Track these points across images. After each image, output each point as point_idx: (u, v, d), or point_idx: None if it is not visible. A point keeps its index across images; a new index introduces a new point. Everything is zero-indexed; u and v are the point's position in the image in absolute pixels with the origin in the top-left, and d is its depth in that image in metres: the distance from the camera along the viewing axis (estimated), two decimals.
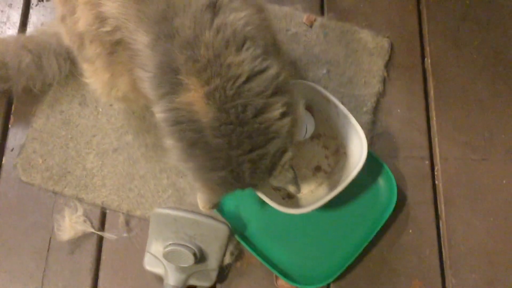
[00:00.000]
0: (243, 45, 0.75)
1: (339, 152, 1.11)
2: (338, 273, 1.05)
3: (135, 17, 0.76)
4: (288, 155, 0.82)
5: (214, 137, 0.76)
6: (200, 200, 0.89)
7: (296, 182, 0.87)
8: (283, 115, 0.79)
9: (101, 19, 0.79)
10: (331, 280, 1.05)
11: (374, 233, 1.07)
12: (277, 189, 1.08)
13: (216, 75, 0.73)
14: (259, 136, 0.78)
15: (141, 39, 0.76)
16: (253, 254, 1.05)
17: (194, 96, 0.75)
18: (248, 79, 0.75)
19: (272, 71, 0.77)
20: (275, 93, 0.78)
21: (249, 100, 0.75)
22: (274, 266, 1.06)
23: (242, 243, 1.06)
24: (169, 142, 0.81)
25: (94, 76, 0.93)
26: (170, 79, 0.75)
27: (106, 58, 0.86)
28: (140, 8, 0.75)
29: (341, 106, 1.03)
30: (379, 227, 1.07)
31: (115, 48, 0.82)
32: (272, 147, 0.79)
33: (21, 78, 1.12)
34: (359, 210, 1.12)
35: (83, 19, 0.82)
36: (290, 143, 0.82)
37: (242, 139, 0.77)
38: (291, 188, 0.88)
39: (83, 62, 0.94)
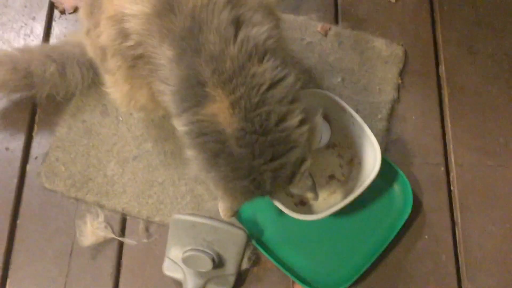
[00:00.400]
0: (264, 57, 0.79)
1: (354, 162, 1.13)
2: (354, 279, 1.06)
3: (159, 33, 0.78)
4: (307, 164, 0.84)
5: (238, 147, 0.79)
6: (221, 208, 0.91)
7: (314, 189, 0.89)
8: (302, 122, 0.82)
9: (124, 34, 0.82)
10: (346, 285, 1.06)
11: (390, 239, 1.08)
12: (290, 195, 1.10)
13: (241, 84, 0.77)
14: (280, 145, 0.80)
15: (165, 54, 0.79)
16: (270, 259, 1.07)
17: (220, 107, 0.78)
18: (270, 86, 0.79)
19: (290, 79, 0.81)
20: (294, 100, 0.81)
21: (272, 107, 0.78)
22: (290, 271, 1.08)
23: (259, 247, 1.08)
24: (191, 153, 0.83)
25: (115, 87, 0.97)
26: (195, 92, 0.78)
27: (127, 71, 0.89)
28: (165, 25, 0.78)
29: (357, 116, 1.05)
30: (395, 233, 1.08)
31: (136, 62, 0.85)
32: (292, 156, 0.82)
33: (45, 86, 1.15)
34: (375, 216, 1.12)
35: (106, 33, 0.85)
36: (309, 152, 0.85)
37: (265, 149, 0.79)
38: (310, 195, 0.90)
39: (105, 73, 0.97)
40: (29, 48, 1.20)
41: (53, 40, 1.30)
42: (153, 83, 0.85)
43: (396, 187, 1.13)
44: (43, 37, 1.30)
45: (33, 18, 1.32)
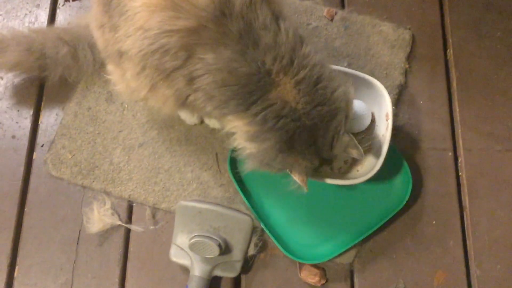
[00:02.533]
0: (302, 42, 0.89)
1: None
2: (335, 254, 1.08)
3: (212, 39, 0.83)
4: (347, 124, 0.95)
5: (310, 120, 0.88)
6: (297, 178, 0.95)
7: (357, 145, 0.96)
8: (345, 92, 0.93)
9: (164, 50, 0.84)
10: (326, 259, 1.08)
11: (380, 225, 1.09)
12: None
13: (301, 65, 0.87)
14: (333, 112, 0.90)
15: (221, 57, 0.84)
16: (264, 229, 1.09)
17: (285, 89, 0.86)
18: (315, 65, 0.89)
19: (321, 56, 0.93)
20: (336, 75, 0.93)
21: (327, 82, 0.89)
22: (274, 234, 1.09)
23: (252, 210, 1.09)
24: (261, 144, 0.90)
25: (122, 83, 0.98)
26: (263, 82, 0.85)
27: (155, 83, 0.90)
28: (219, 30, 0.83)
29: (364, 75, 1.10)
30: (386, 219, 1.09)
31: (171, 75, 0.87)
32: (339, 119, 0.92)
33: (58, 68, 1.16)
34: (372, 199, 1.13)
35: (135, 44, 0.86)
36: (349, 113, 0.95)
37: (325, 116, 0.89)
38: (354, 152, 0.96)
39: (111, 64, 0.98)
40: (43, 30, 1.21)
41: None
42: (197, 91, 0.88)
43: (398, 174, 1.13)
44: (47, 25, 1.29)
45: (37, 6, 1.31)
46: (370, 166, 1.08)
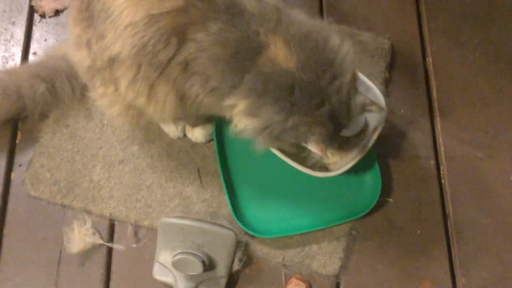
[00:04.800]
0: (284, 5, 0.90)
1: None
2: (295, 233, 1.10)
3: (200, 16, 0.83)
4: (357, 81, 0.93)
5: (304, 74, 0.85)
6: (315, 148, 0.91)
7: (373, 102, 0.94)
8: (342, 42, 0.90)
9: (156, 38, 0.83)
10: (283, 235, 1.10)
11: (341, 222, 1.11)
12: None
13: (288, 23, 0.86)
14: (334, 66, 0.87)
15: (210, 31, 0.83)
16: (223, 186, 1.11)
17: (276, 49, 0.85)
18: (303, 20, 0.89)
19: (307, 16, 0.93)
20: (329, 29, 0.92)
21: (316, 35, 0.88)
22: (232, 200, 1.11)
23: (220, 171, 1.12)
24: (263, 108, 0.87)
25: (117, 100, 0.97)
26: (253, 46, 0.85)
27: (152, 80, 0.89)
28: (206, 6, 0.83)
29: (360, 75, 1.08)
30: (350, 219, 1.11)
31: (168, 66, 0.86)
32: (347, 75, 0.88)
33: (37, 107, 1.14)
34: (342, 196, 1.15)
35: (126, 43, 0.85)
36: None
37: (325, 69, 0.86)
38: (374, 108, 0.94)
39: (101, 85, 0.97)
40: (16, 70, 1.18)
41: (34, 44, 1.28)
42: (192, 76, 0.87)
43: (369, 179, 1.14)
44: (23, 42, 1.27)
45: (13, 23, 1.29)
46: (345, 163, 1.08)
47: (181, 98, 0.92)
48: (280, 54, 0.85)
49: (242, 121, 0.90)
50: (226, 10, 0.84)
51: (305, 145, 0.91)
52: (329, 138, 0.91)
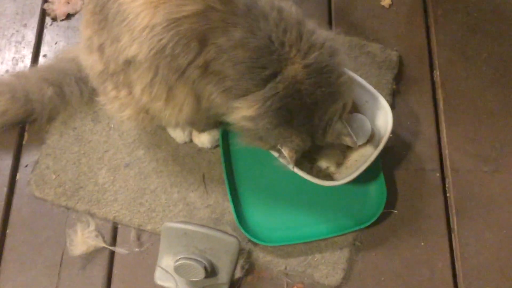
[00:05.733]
0: (304, 18, 0.92)
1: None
2: (298, 241, 1.10)
3: (221, 21, 0.83)
4: (346, 109, 0.97)
5: (311, 99, 0.89)
6: (287, 153, 0.95)
7: (350, 134, 0.96)
8: (343, 75, 0.94)
9: (175, 41, 0.83)
10: (287, 243, 1.10)
11: (344, 232, 1.10)
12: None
13: (311, 45, 0.88)
14: (335, 94, 0.92)
15: (232, 36, 0.84)
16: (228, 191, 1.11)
17: (295, 68, 0.88)
18: (324, 44, 0.91)
19: (328, 33, 0.97)
20: (342, 60, 0.96)
21: (334, 68, 0.91)
22: (237, 206, 1.12)
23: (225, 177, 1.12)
24: (265, 119, 0.90)
25: (129, 104, 0.97)
26: (276, 55, 0.86)
27: (170, 83, 0.89)
28: (227, 10, 0.83)
29: (363, 81, 1.10)
30: (354, 229, 1.10)
31: (188, 69, 0.87)
32: (339, 103, 0.93)
33: (45, 111, 1.15)
34: (347, 207, 1.14)
35: (141, 45, 0.84)
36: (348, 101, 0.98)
37: (327, 98, 0.91)
38: (348, 140, 0.96)
39: (113, 89, 0.96)
40: (25, 73, 1.19)
41: (44, 47, 1.29)
42: (210, 75, 0.88)
43: (374, 189, 1.14)
44: (34, 44, 1.29)
45: (25, 25, 1.31)
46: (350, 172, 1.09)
47: (198, 99, 0.92)
48: (298, 76, 0.88)
49: (239, 119, 0.92)
50: (247, 13, 0.84)
51: (279, 146, 0.95)
52: (302, 149, 0.96)
